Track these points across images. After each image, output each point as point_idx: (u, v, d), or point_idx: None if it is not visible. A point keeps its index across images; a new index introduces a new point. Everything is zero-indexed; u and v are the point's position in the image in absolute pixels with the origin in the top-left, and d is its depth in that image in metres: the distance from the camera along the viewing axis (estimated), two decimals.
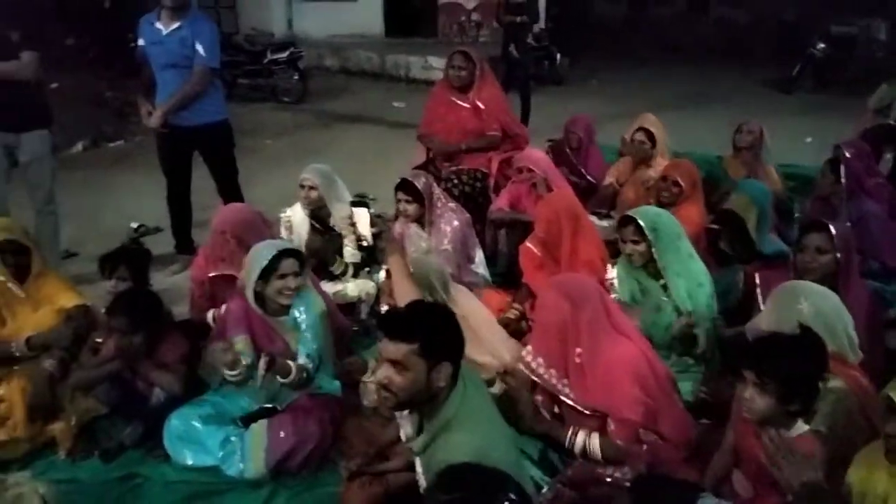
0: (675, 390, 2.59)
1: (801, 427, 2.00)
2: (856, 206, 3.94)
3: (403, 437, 2.35)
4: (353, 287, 3.79)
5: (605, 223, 4.44)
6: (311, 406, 2.81)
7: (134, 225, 5.05)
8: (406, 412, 2.22)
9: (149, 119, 4.22)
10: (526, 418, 2.51)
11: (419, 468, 2.02)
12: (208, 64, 4.16)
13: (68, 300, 3.01)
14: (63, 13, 8.38)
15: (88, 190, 6.04)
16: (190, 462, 2.73)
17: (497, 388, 2.77)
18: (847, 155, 4.03)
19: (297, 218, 3.95)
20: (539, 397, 2.61)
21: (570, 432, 2.29)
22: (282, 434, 2.68)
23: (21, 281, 2.96)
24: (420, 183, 3.70)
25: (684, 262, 2.99)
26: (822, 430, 2.05)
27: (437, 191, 3.85)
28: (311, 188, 3.83)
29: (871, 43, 10.79)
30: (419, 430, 1.98)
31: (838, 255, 2.76)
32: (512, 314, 3.42)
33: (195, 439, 2.73)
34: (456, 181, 4.44)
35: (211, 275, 3.27)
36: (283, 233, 3.91)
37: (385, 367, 1.85)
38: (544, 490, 2.37)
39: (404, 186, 3.72)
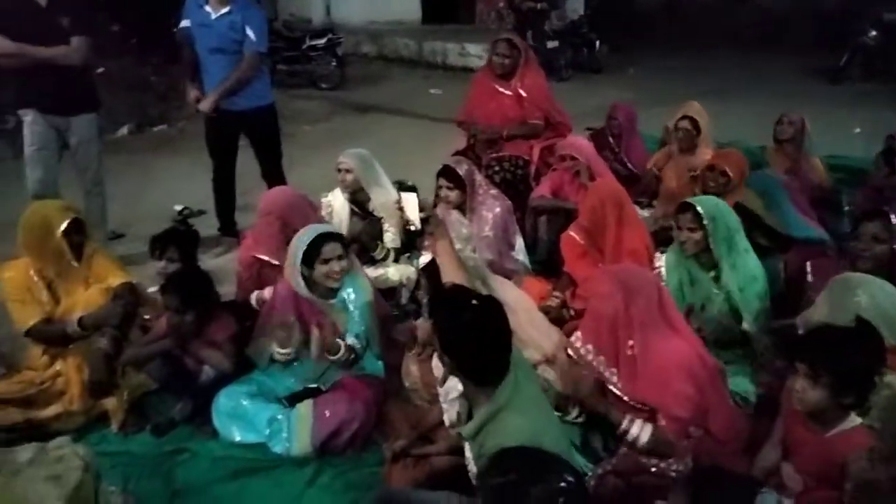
0: (725, 385, 2.56)
1: (853, 420, 1.97)
2: None
3: (447, 422, 2.37)
4: (394, 271, 3.80)
5: (646, 213, 4.39)
6: (356, 387, 2.84)
7: (178, 207, 5.12)
8: (453, 396, 2.24)
9: (196, 104, 4.29)
10: (589, 394, 2.41)
11: (468, 453, 2.01)
12: (259, 49, 4.22)
13: (116, 279, 3.08)
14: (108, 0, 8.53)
15: (133, 173, 6.16)
16: (237, 438, 2.79)
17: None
18: None
19: (337, 203, 3.97)
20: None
21: (626, 419, 2.28)
22: (327, 413, 2.72)
23: (76, 260, 3.04)
24: (462, 169, 3.69)
25: (740, 256, 2.95)
26: (875, 425, 2.01)
27: (478, 177, 3.83)
28: (347, 171, 3.83)
29: None
30: (469, 416, 1.99)
31: (895, 245, 2.72)
32: (553, 302, 3.40)
33: (243, 416, 2.79)
34: (497, 168, 4.40)
35: (259, 256, 3.32)
36: (326, 217, 3.94)
37: None
38: (588, 476, 2.37)
39: (446, 173, 3.71)
